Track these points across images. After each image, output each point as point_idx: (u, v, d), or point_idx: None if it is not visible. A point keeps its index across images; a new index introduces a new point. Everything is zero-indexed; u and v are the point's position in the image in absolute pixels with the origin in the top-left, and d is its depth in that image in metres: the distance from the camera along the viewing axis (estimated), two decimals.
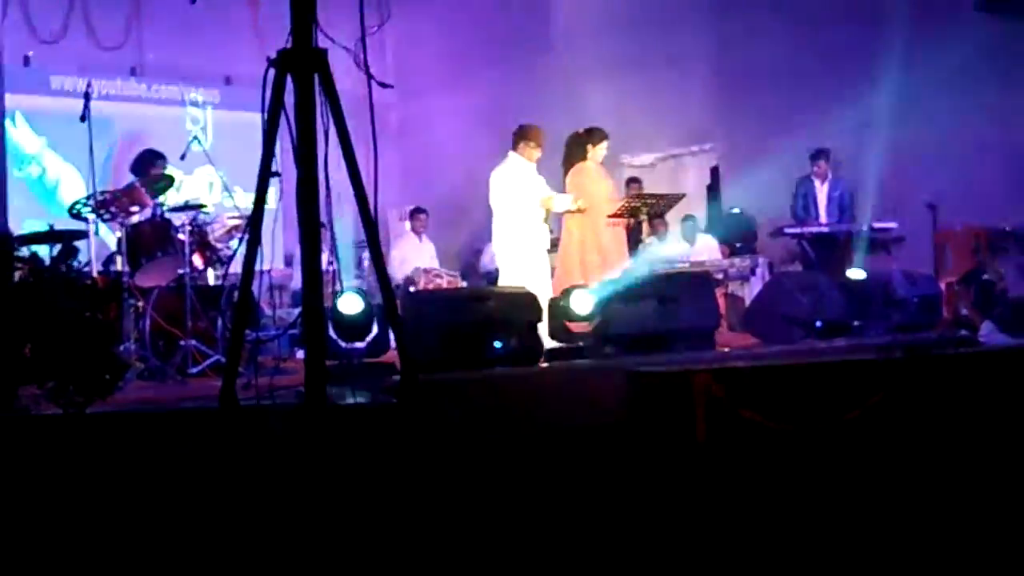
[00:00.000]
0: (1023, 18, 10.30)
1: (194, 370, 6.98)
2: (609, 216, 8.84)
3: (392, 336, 4.67)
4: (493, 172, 8.78)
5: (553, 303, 7.72)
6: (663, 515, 4.28)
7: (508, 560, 3.95)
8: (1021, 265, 9.63)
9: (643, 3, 12.16)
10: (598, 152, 9.05)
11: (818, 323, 8.20)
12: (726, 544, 4.08)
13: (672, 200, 9.54)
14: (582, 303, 7.46)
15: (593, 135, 9.05)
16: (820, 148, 10.58)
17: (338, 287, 6.89)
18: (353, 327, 6.62)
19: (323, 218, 3.21)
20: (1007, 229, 9.98)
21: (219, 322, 7.13)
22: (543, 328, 7.40)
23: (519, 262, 8.62)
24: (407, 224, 12.26)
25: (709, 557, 3.93)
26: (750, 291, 10.43)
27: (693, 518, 4.24)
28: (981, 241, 9.77)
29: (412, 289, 10.40)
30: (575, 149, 9.04)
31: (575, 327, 7.64)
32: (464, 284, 11.28)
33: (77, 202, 7.45)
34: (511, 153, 8.72)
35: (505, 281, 8.66)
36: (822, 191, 10.53)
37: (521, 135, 8.74)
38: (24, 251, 6.12)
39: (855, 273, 9.11)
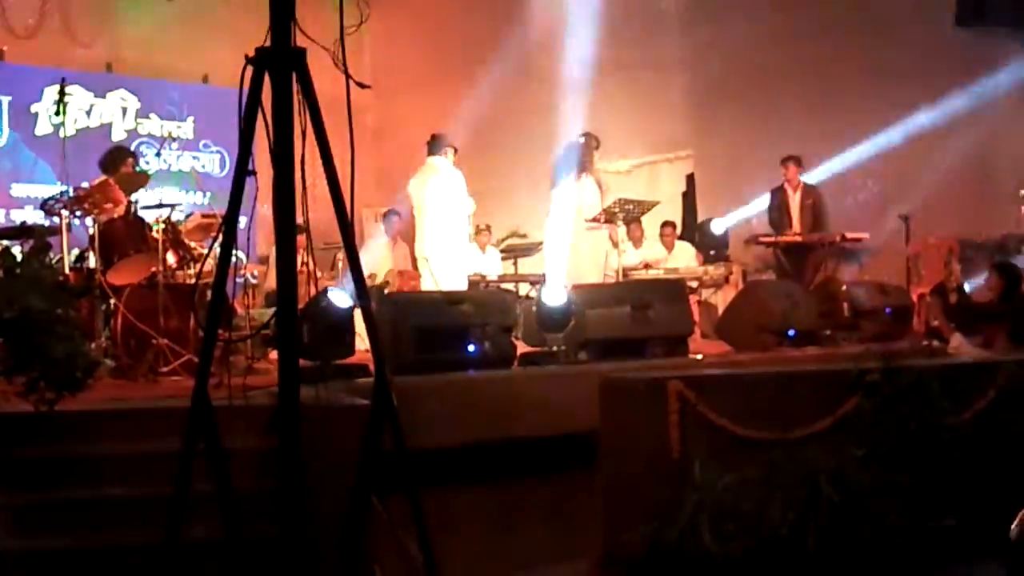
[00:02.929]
0: (1000, 34, 10.38)
1: (165, 369, 6.93)
2: (587, 221, 8.89)
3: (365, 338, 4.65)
4: (412, 178, 9.33)
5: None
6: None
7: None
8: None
9: (621, 10, 12.18)
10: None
11: (790, 332, 8.24)
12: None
13: (646, 207, 9.63)
14: None
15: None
16: (790, 155, 10.58)
17: (312, 288, 6.83)
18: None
19: (299, 218, 3.19)
20: (979, 242, 10.05)
21: (191, 321, 7.08)
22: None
23: (443, 260, 9.00)
24: (381, 226, 12.22)
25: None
26: (724, 299, 10.46)
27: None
28: (953, 253, 9.83)
29: (387, 291, 10.35)
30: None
31: None
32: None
33: (50, 198, 7.38)
34: (429, 159, 9.27)
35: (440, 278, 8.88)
36: (794, 199, 10.54)
37: (438, 142, 9.08)
38: None
39: None
